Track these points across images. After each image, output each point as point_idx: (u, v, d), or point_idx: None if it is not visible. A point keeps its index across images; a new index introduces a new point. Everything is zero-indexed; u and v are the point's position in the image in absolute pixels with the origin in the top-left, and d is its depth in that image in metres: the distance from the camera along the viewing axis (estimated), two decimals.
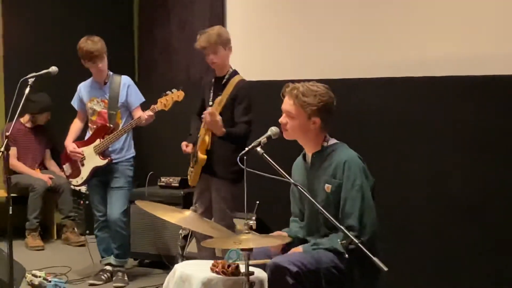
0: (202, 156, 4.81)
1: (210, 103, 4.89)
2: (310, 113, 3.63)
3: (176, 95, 5.16)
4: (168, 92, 5.15)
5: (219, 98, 4.81)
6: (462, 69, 4.63)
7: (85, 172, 5.60)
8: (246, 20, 6.57)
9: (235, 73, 4.95)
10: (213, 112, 4.63)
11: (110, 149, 5.52)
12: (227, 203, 4.83)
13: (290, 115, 3.67)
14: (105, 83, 5.61)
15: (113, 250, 5.67)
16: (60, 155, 6.08)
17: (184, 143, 4.99)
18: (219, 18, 6.73)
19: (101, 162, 5.52)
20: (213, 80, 4.99)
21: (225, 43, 4.89)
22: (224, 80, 4.91)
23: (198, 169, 4.88)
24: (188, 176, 5.03)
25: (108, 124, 5.51)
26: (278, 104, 3.75)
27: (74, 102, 5.77)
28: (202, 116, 4.75)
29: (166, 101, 5.12)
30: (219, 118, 4.64)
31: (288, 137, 3.71)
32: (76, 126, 5.78)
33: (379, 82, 5.12)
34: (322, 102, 3.63)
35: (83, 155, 5.57)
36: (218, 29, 4.94)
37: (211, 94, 4.95)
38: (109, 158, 5.53)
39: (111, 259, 5.70)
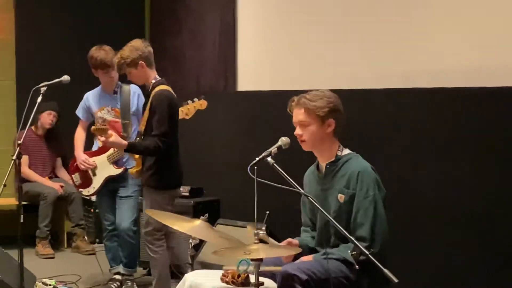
0: (131, 170, 5.12)
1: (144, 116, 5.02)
2: (323, 115, 3.64)
3: (199, 103, 5.19)
4: (189, 101, 5.17)
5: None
6: (472, 81, 4.63)
7: (97, 182, 5.61)
8: (256, 30, 6.59)
9: (156, 84, 4.91)
10: (104, 140, 4.85)
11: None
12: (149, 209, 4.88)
13: (303, 124, 3.68)
14: (115, 92, 5.63)
15: (122, 259, 5.67)
16: (68, 165, 6.10)
17: None
18: (230, 27, 6.75)
19: (115, 171, 5.54)
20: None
21: (133, 63, 4.89)
22: (149, 93, 4.95)
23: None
24: None
25: (122, 134, 5.52)
26: (288, 114, 3.75)
27: (79, 111, 5.77)
28: None
29: (188, 110, 5.15)
30: (112, 138, 4.79)
31: (307, 148, 3.72)
32: (81, 135, 5.79)
33: (389, 92, 5.12)
34: (331, 103, 3.66)
35: (95, 166, 5.59)
36: (123, 52, 4.94)
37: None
38: (123, 167, 5.54)
39: (120, 268, 5.70)
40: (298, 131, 3.70)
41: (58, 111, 7.22)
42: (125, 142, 4.84)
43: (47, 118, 7.23)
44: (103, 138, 4.90)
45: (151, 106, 4.84)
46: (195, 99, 5.19)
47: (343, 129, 3.74)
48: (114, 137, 4.82)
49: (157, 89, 4.86)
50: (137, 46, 4.92)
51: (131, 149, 4.88)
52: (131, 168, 5.16)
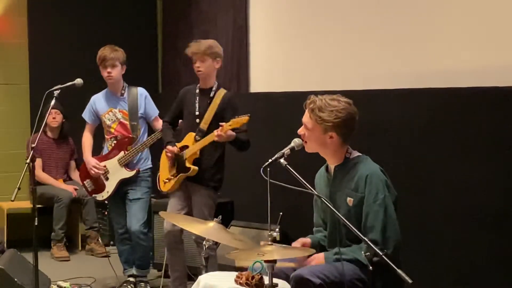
0: (194, 167, 5.02)
1: (197, 113, 5.05)
2: (325, 128, 3.62)
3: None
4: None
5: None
6: (485, 80, 4.60)
7: (110, 186, 5.62)
8: (269, 31, 6.59)
9: (220, 86, 5.10)
10: (224, 130, 4.79)
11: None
12: (208, 210, 4.97)
13: (306, 128, 3.68)
14: (122, 94, 5.65)
15: (135, 261, 5.69)
16: (79, 171, 6.11)
17: (173, 148, 5.11)
18: (242, 30, 6.76)
19: (128, 174, 5.55)
20: (197, 91, 5.14)
21: (214, 55, 5.04)
22: (212, 92, 5.05)
23: (182, 178, 5.06)
24: (161, 182, 5.22)
25: (131, 135, 5.54)
26: (300, 115, 3.75)
27: (86, 115, 5.76)
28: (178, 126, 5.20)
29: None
30: (229, 132, 4.83)
31: (308, 150, 3.71)
32: (88, 139, 5.78)
33: (402, 93, 5.11)
34: (338, 119, 3.61)
35: (105, 170, 5.60)
36: (211, 42, 5.15)
37: (197, 105, 5.08)
38: (137, 169, 5.55)
39: (134, 270, 5.72)
40: (301, 131, 3.71)
41: (60, 109, 7.18)
42: (233, 134, 4.86)
43: (49, 117, 7.21)
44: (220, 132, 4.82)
45: (222, 107, 4.99)
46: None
47: (349, 138, 3.71)
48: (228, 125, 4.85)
49: (224, 91, 5.06)
50: (217, 44, 5.15)
51: (234, 142, 4.96)
52: (188, 153, 5.06)
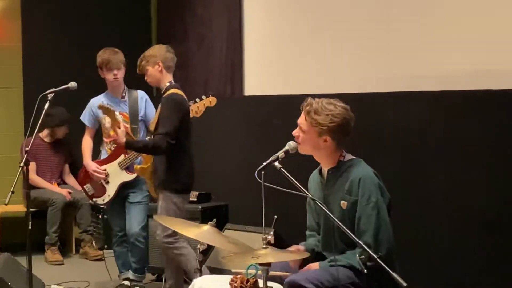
0: (136, 166, 5.23)
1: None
2: (320, 131, 3.62)
3: (208, 101, 5.26)
4: (197, 99, 5.21)
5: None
6: (478, 84, 4.62)
7: (111, 189, 5.59)
8: (263, 35, 6.59)
9: (168, 88, 5.00)
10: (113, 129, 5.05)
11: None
12: (169, 213, 4.88)
13: (301, 129, 3.68)
14: (123, 97, 5.64)
15: (132, 264, 5.67)
16: (77, 176, 6.09)
17: None
18: (237, 33, 6.75)
19: (129, 177, 5.53)
20: None
21: (151, 62, 5.03)
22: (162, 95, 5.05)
23: (150, 182, 5.15)
24: None
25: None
26: (295, 118, 3.75)
27: (85, 118, 5.73)
28: None
29: (197, 108, 5.21)
30: (122, 129, 4.95)
31: (302, 151, 3.70)
32: (89, 144, 5.76)
33: (396, 96, 5.12)
34: (333, 123, 3.60)
35: (106, 174, 5.58)
36: (148, 50, 5.14)
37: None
38: None
39: (129, 274, 5.70)
40: (296, 132, 3.71)
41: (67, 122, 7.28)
42: (124, 139, 4.90)
43: (63, 131, 7.30)
44: (107, 123, 4.90)
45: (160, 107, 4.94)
46: (203, 97, 5.25)
47: (343, 143, 3.71)
48: (122, 129, 4.93)
49: (168, 91, 4.94)
50: (158, 48, 5.13)
51: (129, 146, 4.99)
52: (138, 165, 5.20)
